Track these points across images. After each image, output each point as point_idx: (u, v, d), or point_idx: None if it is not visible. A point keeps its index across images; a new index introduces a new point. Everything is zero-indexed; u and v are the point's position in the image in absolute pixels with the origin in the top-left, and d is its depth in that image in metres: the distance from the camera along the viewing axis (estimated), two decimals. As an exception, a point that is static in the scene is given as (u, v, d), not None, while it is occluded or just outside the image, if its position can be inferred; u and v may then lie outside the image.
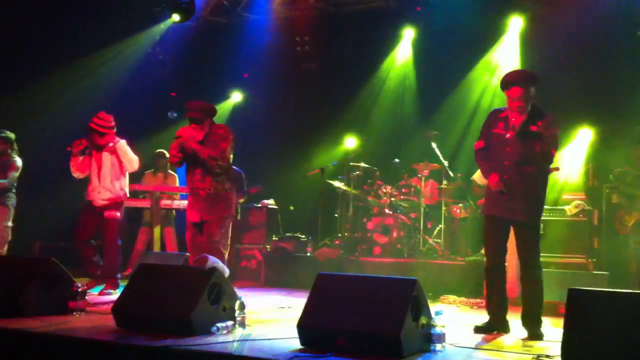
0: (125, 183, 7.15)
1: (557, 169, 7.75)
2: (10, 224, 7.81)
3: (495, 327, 4.98)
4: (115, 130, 7.03)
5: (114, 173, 6.98)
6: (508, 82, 4.95)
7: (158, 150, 9.71)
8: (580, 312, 3.79)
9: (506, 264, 5.19)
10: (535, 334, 4.82)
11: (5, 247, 7.76)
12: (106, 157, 6.95)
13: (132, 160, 7.02)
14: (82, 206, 7.06)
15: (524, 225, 4.95)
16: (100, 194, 6.91)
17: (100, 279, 6.87)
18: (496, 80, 9.85)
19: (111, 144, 6.97)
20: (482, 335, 4.88)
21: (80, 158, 6.92)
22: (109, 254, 6.92)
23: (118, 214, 6.98)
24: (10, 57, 9.66)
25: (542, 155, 4.88)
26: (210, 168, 5.71)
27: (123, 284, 7.26)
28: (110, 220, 6.92)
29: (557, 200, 8.23)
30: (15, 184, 7.87)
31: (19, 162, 7.87)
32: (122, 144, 6.99)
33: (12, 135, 7.94)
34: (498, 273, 5.07)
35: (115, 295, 6.58)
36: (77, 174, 7.00)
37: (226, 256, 5.90)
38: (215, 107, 6.01)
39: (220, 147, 5.73)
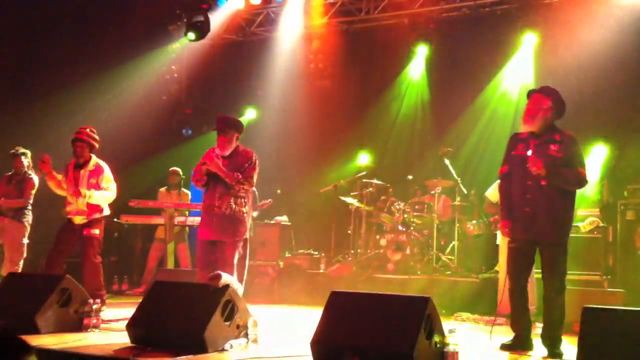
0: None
1: None
2: (26, 241, 7.88)
3: (520, 345, 4.98)
4: (97, 147, 6.96)
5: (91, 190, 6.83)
6: (531, 91, 5.15)
7: (172, 169, 9.79)
8: (595, 330, 3.78)
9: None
10: (554, 353, 4.80)
11: (21, 264, 7.83)
12: (84, 175, 6.80)
13: (109, 197, 6.88)
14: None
15: (551, 245, 4.92)
16: (79, 212, 6.76)
17: None
18: (511, 95, 9.90)
19: (92, 163, 6.87)
20: (499, 353, 4.87)
21: (58, 177, 6.79)
22: (89, 272, 6.67)
23: (97, 231, 6.80)
24: (26, 74, 9.80)
25: (578, 182, 4.90)
26: (235, 192, 5.76)
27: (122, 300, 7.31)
28: (89, 238, 6.72)
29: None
30: (31, 201, 7.95)
31: (35, 179, 7.95)
32: (106, 176, 6.86)
33: (28, 153, 8.04)
34: (522, 292, 5.06)
35: (104, 312, 6.49)
36: (59, 191, 6.86)
37: (244, 277, 5.90)
38: (242, 123, 6.07)
39: (248, 173, 5.78)
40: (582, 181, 4.93)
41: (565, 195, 4.93)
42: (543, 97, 4.99)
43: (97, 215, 6.83)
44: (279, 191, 10.14)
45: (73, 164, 6.92)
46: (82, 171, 6.83)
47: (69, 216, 6.84)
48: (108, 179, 6.90)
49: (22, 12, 9.71)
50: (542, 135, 4.95)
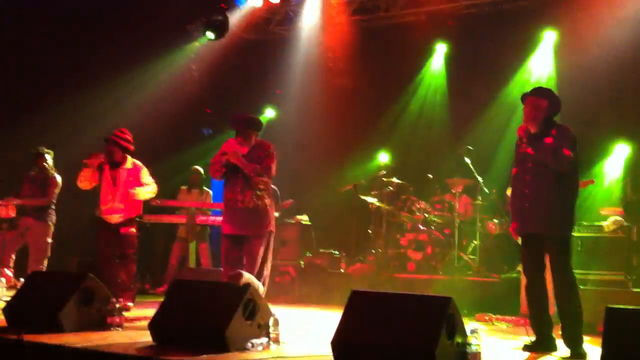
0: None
1: (591, 181, 7.66)
2: (50, 240, 7.98)
3: (542, 345, 4.92)
4: (133, 148, 7.06)
5: (128, 190, 6.95)
6: (524, 96, 5.16)
7: (193, 167, 9.85)
8: (619, 331, 3.74)
9: None
10: (577, 353, 4.73)
11: (45, 263, 7.92)
12: (123, 173, 6.92)
13: (152, 190, 7.04)
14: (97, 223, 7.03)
15: (548, 238, 4.92)
16: (115, 211, 6.88)
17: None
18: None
19: (130, 162, 6.99)
20: (521, 353, 4.83)
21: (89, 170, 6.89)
22: (124, 270, 6.89)
23: (134, 229, 6.98)
24: (48, 74, 9.89)
25: (555, 157, 4.82)
26: (255, 184, 5.76)
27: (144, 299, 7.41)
28: (127, 236, 6.90)
29: (595, 216, 8.10)
30: (54, 201, 8.04)
31: (58, 178, 8.04)
32: (145, 172, 7.01)
33: (50, 152, 8.14)
34: (537, 290, 5.02)
35: (133, 308, 6.72)
36: (83, 185, 6.90)
37: (268, 272, 5.93)
38: (261, 121, 6.06)
39: (266, 164, 5.80)
40: (562, 159, 4.81)
41: (561, 188, 4.90)
42: (538, 99, 5.05)
43: (133, 214, 6.98)
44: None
45: (108, 164, 6.97)
46: (120, 170, 6.92)
47: (103, 216, 6.91)
48: (147, 174, 7.03)
49: (41, 15, 9.81)
50: (541, 132, 5.01)
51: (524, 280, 7.03)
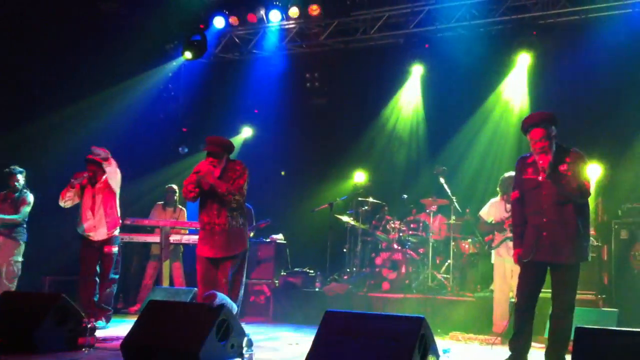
0: (118, 213, 7.26)
1: None
2: (20, 259, 7.89)
3: None
4: (110, 159, 7.22)
5: (107, 206, 7.10)
6: (528, 125, 5.03)
7: (168, 186, 9.81)
8: (588, 351, 3.79)
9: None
10: None
11: (15, 282, 7.82)
12: (98, 190, 7.09)
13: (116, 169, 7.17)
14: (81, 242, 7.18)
15: (566, 266, 4.92)
16: (97, 229, 7.06)
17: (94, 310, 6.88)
18: (506, 114, 9.98)
19: (103, 178, 7.11)
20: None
21: (74, 190, 7.06)
22: (103, 287, 7.09)
23: (116, 249, 7.18)
24: (24, 92, 9.82)
25: (580, 191, 4.87)
26: (227, 203, 5.79)
27: (117, 318, 7.39)
28: (108, 256, 7.10)
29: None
30: (26, 219, 7.96)
31: (30, 197, 7.98)
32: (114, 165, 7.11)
33: (23, 171, 8.07)
34: (528, 315, 5.04)
35: (107, 327, 6.75)
36: (66, 203, 7.09)
37: (242, 290, 5.94)
38: (233, 144, 6.11)
39: (237, 183, 5.82)
40: (584, 192, 4.90)
41: (581, 217, 4.92)
42: (547, 129, 4.93)
43: (115, 232, 7.16)
44: (283, 173, 10.10)
45: (90, 183, 7.16)
46: (97, 185, 7.11)
47: (87, 233, 7.08)
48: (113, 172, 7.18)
49: (18, 32, 9.75)
50: (554, 159, 4.94)
51: (496, 300, 7.16)
